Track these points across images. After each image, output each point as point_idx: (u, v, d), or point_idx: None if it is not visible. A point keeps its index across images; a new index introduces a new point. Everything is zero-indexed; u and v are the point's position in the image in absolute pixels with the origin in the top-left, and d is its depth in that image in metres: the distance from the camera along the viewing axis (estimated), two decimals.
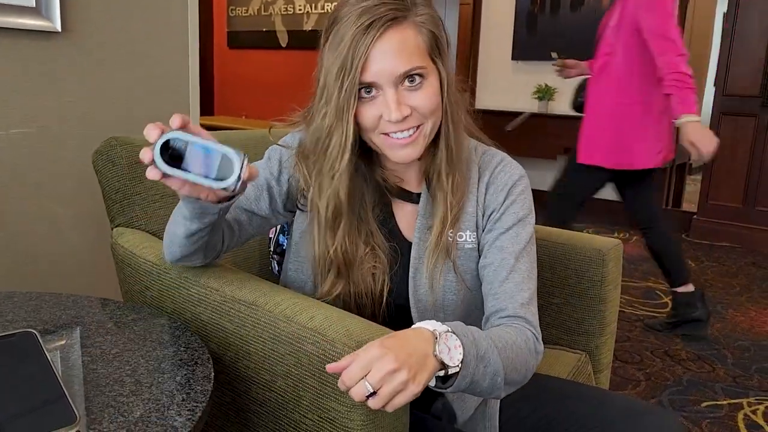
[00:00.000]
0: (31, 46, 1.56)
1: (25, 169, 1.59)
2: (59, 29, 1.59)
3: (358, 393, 0.71)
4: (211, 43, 5.75)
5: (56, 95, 1.63)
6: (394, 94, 0.87)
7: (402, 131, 0.90)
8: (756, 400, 2.13)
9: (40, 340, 0.75)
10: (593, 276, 1.36)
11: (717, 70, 4.30)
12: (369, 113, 0.89)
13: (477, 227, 1.01)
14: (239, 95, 5.71)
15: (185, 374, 0.80)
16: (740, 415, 2.03)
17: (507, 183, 1.00)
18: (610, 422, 0.96)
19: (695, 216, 4.40)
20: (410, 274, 1.00)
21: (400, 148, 0.91)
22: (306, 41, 5.09)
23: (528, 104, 5.01)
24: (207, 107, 5.52)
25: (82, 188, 1.68)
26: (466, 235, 1.00)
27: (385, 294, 0.99)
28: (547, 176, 5.14)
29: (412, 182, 1.03)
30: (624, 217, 4.72)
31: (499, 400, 1.04)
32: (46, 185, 1.63)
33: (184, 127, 0.72)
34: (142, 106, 1.81)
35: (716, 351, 2.52)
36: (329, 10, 4.90)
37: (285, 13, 5.22)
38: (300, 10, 5.10)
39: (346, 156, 0.90)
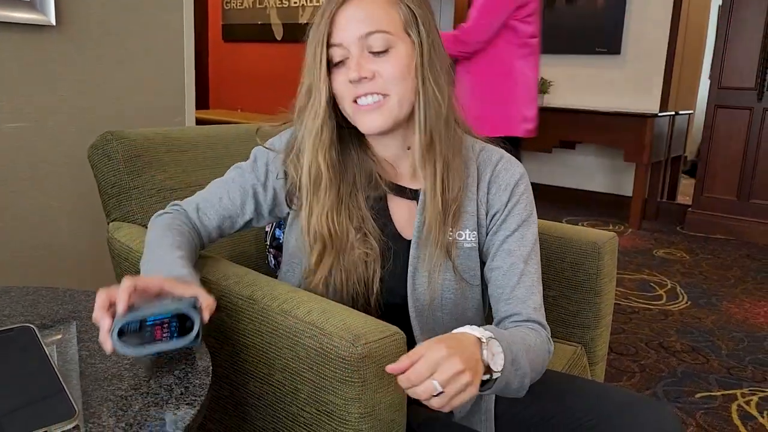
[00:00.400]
0: (25, 40, 1.56)
1: (19, 164, 1.59)
2: (53, 23, 1.58)
3: (425, 391, 0.73)
4: (206, 36, 5.72)
5: (50, 90, 1.62)
6: (357, 56, 0.91)
7: (366, 96, 0.92)
8: (750, 391, 2.15)
9: (39, 335, 0.75)
10: (589, 269, 1.37)
11: (712, 63, 4.31)
12: (339, 79, 0.93)
13: (478, 226, 1.01)
14: (234, 88, 5.69)
15: (183, 368, 0.81)
16: (734, 406, 2.04)
17: (509, 183, 1.00)
18: (607, 416, 0.96)
19: (690, 209, 4.42)
20: (409, 272, 1.00)
21: (365, 115, 0.94)
22: (301, 34, 5.02)
23: None
24: (202, 101, 5.50)
25: (77, 183, 1.68)
26: (465, 234, 1.00)
27: (376, 284, 0.99)
28: (544, 169, 5.17)
29: (406, 175, 1.02)
30: (619, 210, 4.75)
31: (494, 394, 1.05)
32: (40, 180, 1.63)
33: (132, 304, 0.75)
34: (137, 101, 1.80)
35: (710, 342, 2.54)
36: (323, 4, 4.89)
37: (280, 6, 5.20)
38: (295, 3, 5.08)
39: (321, 114, 0.94)
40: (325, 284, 0.99)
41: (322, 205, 0.97)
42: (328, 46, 0.92)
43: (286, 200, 1.03)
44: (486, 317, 1.10)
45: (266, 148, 1.04)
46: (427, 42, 0.93)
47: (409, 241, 1.00)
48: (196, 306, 0.77)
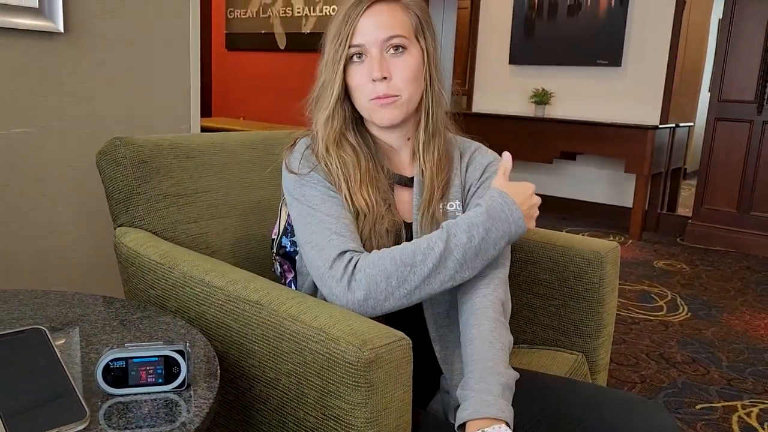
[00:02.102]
0: (33, 46, 1.57)
1: (26, 169, 1.60)
2: (62, 30, 1.60)
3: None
4: (209, 44, 5.75)
5: (57, 95, 1.64)
6: (378, 55, 1.02)
7: (383, 97, 1.03)
8: (750, 402, 2.15)
9: (50, 337, 0.76)
10: (591, 278, 1.38)
11: (712, 76, 4.34)
12: (358, 73, 1.04)
13: (462, 199, 1.14)
14: (237, 97, 5.72)
15: (192, 372, 0.81)
16: (734, 418, 2.04)
17: (483, 163, 1.15)
18: (604, 416, 1.00)
19: (690, 220, 4.43)
20: None
21: (381, 109, 1.04)
22: (304, 44, 5.10)
23: (525, 108, 5.04)
24: (205, 108, 5.52)
25: (83, 188, 1.69)
26: (455, 204, 1.13)
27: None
28: (545, 180, 5.19)
29: (405, 165, 1.14)
30: (619, 221, 4.76)
31: None
32: (46, 184, 1.64)
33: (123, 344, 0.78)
34: (143, 108, 1.82)
35: (711, 354, 2.55)
36: (328, 13, 4.92)
37: (283, 15, 5.23)
38: (299, 12, 5.11)
39: (332, 103, 1.05)
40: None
41: (346, 179, 1.05)
42: (349, 46, 1.03)
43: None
44: None
45: (293, 172, 1.07)
46: (432, 48, 1.08)
47: (409, 223, 1.10)
48: (185, 352, 0.76)
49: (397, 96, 1.04)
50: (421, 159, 1.10)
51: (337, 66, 1.03)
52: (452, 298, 1.09)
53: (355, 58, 1.04)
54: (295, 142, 1.11)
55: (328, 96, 1.05)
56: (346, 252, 0.96)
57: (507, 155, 1.08)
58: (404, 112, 1.06)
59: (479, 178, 1.14)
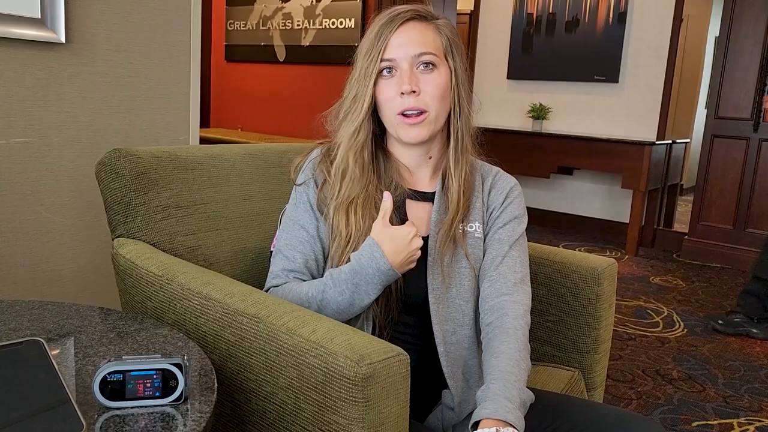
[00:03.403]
0: (34, 56, 1.58)
1: (24, 178, 1.60)
2: (63, 41, 1.60)
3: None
4: (209, 56, 5.78)
5: (57, 105, 1.64)
6: (408, 69, 1.05)
7: (412, 109, 1.05)
8: (746, 420, 2.15)
9: (47, 349, 0.76)
10: (588, 294, 1.38)
11: (709, 93, 4.37)
12: (387, 87, 1.07)
13: (483, 221, 1.16)
14: (235, 108, 5.73)
15: (189, 385, 0.81)
16: None
17: (505, 188, 1.18)
18: (600, 431, 1.01)
19: (686, 236, 4.44)
20: (428, 263, 1.09)
21: (409, 128, 1.07)
22: (303, 56, 5.12)
23: (522, 122, 5.06)
24: (203, 119, 5.54)
25: (81, 198, 1.69)
26: (475, 226, 1.14)
27: (401, 282, 1.08)
28: (542, 194, 5.20)
29: (424, 181, 1.16)
30: (616, 236, 4.76)
31: None
32: (45, 194, 1.64)
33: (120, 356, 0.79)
34: (143, 119, 1.82)
35: (707, 371, 2.54)
36: (327, 27, 4.95)
37: (283, 28, 5.26)
38: (298, 25, 5.14)
39: (361, 116, 1.07)
40: None
41: (344, 195, 1.08)
42: (380, 60, 1.06)
43: (318, 207, 1.12)
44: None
45: (298, 184, 1.15)
46: (461, 68, 1.10)
47: (425, 238, 1.09)
48: (182, 365, 0.76)
49: (425, 112, 1.06)
50: (452, 177, 1.12)
51: (369, 80, 1.06)
52: (462, 317, 1.10)
53: (384, 73, 1.07)
54: (311, 150, 1.17)
55: (359, 108, 1.08)
56: (282, 272, 1.10)
57: (387, 196, 1.06)
58: (431, 131, 1.08)
59: (502, 203, 1.16)
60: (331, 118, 1.14)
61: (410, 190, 1.14)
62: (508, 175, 1.22)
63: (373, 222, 1.05)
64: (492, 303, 1.08)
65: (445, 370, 1.07)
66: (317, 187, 1.12)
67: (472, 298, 1.12)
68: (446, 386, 1.07)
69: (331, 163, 1.11)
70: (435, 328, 1.08)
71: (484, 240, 1.15)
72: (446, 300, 1.09)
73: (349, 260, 1.04)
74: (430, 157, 1.15)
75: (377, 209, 1.07)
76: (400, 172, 1.14)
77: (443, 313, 1.09)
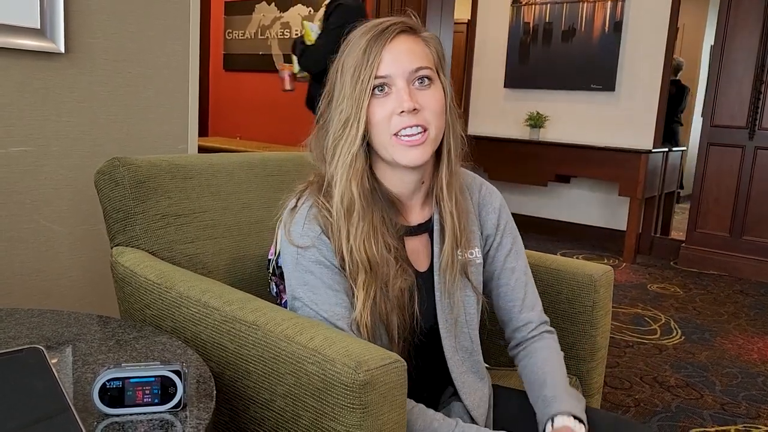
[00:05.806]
0: (33, 66, 1.59)
1: (23, 187, 1.61)
2: (62, 51, 1.61)
3: None
4: (207, 65, 5.80)
5: (56, 115, 1.65)
6: (406, 87, 0.95)
7: (411, 127, 0.95)
8: (744, 427, 2.15)
9: (47, 356, 0.77)
10: (585, 301, 1.39)
11: (705, 101, 4.39)
12: (381, 108, 0.96)
13: (480, 245, 1.12)
14: (233, 117, 5.75)
15: (188, 392, 0.82)
16: None
17: (495, 206, 1.14)
18: None
19: (683, 244, 4.46)
20: (436, 297, 1.06)
21: (409, 149, 0.96)
22: None
23: (520, 131, 5.08)
24: (202, 128, 5.54)
25: (79, 207, 1.70)
26: (475, 252, 1.10)
27: (416, 311, 1.03)
28: (539, 202, 5.22)
29: (416, 210, 1.08)
30: (613, 244, 4.77)
31: (492, 419, 1.12)
32: (43, 203, 1.65)
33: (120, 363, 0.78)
34: (142, 128, 1.83)
35: (704, 378, 2.55)
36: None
37: (281, 36, 5.29)
38: (296, 34, 5.17)
39: (357, 142, 0.96)
40: (371, 313, 0.98)
41: (357, 232, 0.97)
42: (375, 76, 0.95)
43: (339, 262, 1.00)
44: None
45: (299, 246, 0.99)
46: (449, 85, 1.02)
47: (424, 272, 1.06)
48: (181, 372, 0.77)
49: (426, 130, 0.96)
50: (444, 202, 1.04)
51: (362, 100, 0.95)
52: (471, 343, 1.10)
53: (376, 92, 0.96)
54: (296, 204, 1.02)
55: (353, 134, 0.96)
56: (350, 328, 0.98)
57: None
58: (430, 151, 0.98)
59: (496, 226, 1.13)
60: (314, 148, 1.02)
61: (404, 226, 1.05)
62: (491, 186, 1.16)
63: (388, 251, 0.98)
64: (523, 317, 1.15)
65: (456, 383, 1.08)
66: (329, 239, 0.99)
67: (477, 323, 1.11)
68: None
69: (329, 201, 0.99)
70: (449, 363, 1.07)
71: (484, 264, 1.13)
72: (455, 330, 1.08)
73: (376, 292, 0.97)
74: (423, 182, 1.05)
75: (385, 240, 0.99)
76: (394, 204, 1.05)
77: (455, 343, 1.08)
